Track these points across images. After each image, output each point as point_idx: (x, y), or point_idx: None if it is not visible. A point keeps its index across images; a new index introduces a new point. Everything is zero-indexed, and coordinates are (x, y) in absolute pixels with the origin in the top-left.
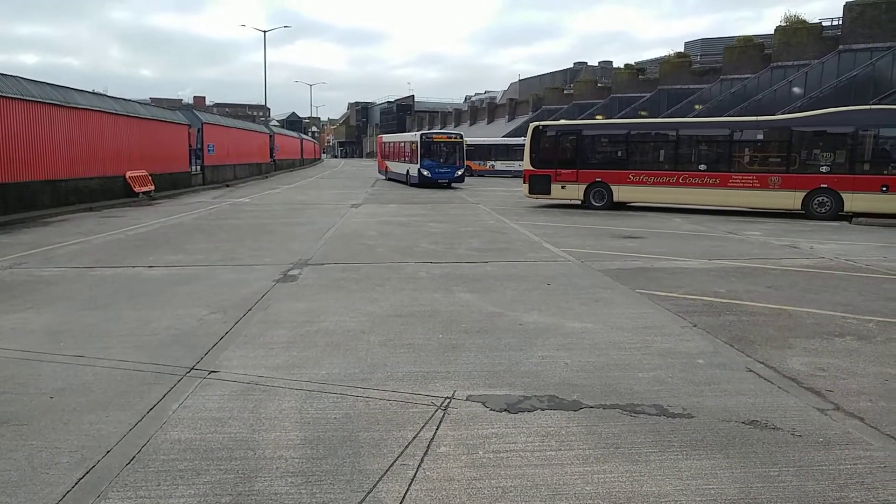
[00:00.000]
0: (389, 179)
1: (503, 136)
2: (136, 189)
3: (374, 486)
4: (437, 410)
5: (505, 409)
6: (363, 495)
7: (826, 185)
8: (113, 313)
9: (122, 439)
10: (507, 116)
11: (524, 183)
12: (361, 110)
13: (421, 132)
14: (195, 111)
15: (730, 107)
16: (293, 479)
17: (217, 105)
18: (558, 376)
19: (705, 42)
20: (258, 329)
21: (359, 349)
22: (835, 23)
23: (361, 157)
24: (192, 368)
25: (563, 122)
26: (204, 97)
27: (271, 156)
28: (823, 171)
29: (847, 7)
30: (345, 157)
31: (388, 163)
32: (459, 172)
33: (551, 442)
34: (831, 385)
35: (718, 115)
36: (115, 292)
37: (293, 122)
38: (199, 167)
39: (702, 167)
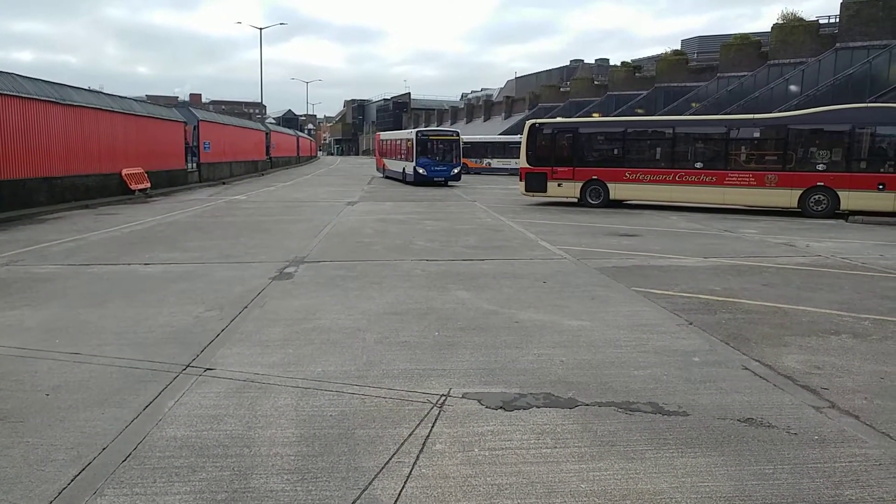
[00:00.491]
0: (387, 177)
1: (500, 134)
2: (132, 186)
3: (370, 484)
4: (432, 408)
5: (500, 407)
6: (359, 492)
7: (822, 184)
8: (109, 310)
9: (118, 436)
10: (503, 114)
11: (520, 181)
12: (358, 108)
13: (416, 129)
14: (191, 108)
15: (727, 104)
16: (289, 477)
17: (213, 102)
18: (554, 374)
19: (702, 40)
20: (254, 326)
21: (355, 346)
22: (832, 21)
23: (358, 154)
24: (188, 366)
25: (559, 119)
26: (200, 94)
27: (267, 153)
28: (820, 169)
29: (844, 5)
30: (341, 155)
31: (385, 160)
32: (456, 170)
33: (547, 439)
34: (827, 383)
35: (715, 112)
36: (111, 289)
37: (289, 120)
38: (195, 164)
39: (698, 165)
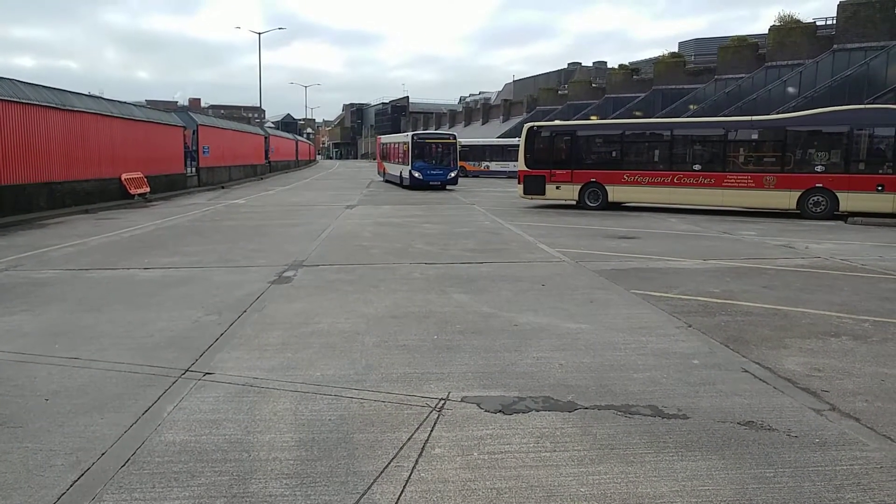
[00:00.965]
0: (387, 181)
1: (498, 137)
2: (132, 191)
3: (369, 488)
4: (431, 412)
5: (500, 411)
6: (358, 497)
7: (821, 185)
8: (108, 315)
9: (117, 441)
10: (501, 117)
11: (519, 183)
12: (356, 112)
13: (412, 133)
14: (190, 113)
15: (724, 107)
16: (288, 481)
17: (212, 107)
18: (553, 377)
19: (699, 42)
20: (253, 331)
21: (353, 350)
22: (829, 22)
23: (356, 158)
24: (187, 370)
25: (557, 122)
26: (199, 99)
27: (266, 157)
28: (818, 170)
29: (841, 6)
30: (340, 159)
31: (385, 164)
32: (452, 174)
33: (546, 443)
34: (827, 385)
35: (713, 114)
36: (111, 294)
37: (288, 124)
38: (194, 169)
39: (696, 167)
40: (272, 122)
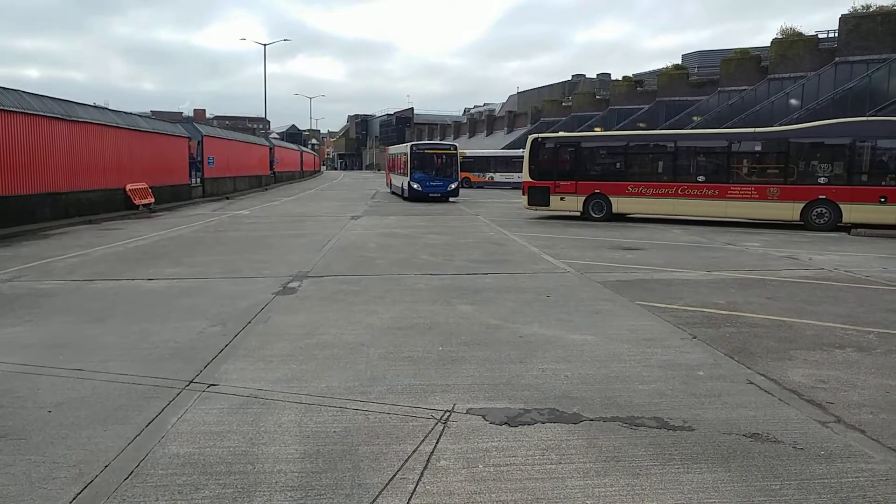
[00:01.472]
0: (392, 192)
1: (502, 148)
2: (137, 201)
3: (374, 501)
4: (436, 424)
5: (505, 423)
6: None
7: (824, 197)
8: (112, 326)
9: (120, 454)
10: (505, 128)
11: (523, 195)
12: (361, 123)
13: (412, 143)
14: (195, 124)
15: (728, 118)
16: (292, 494)
17: (217, 118)
18: (558, 389)
19: (703, 54)
20: (258, 342)
21: (358, 362)
22: (831, 35)
23: (361, 169)
24: (192, 382)
25: (561, 134)
26: (204, 110)
27: (271, 168)
28: (822, 182)
29: (843, 19)
30: (344, 170)
31: (391, 175)
32: (453, 186)
33: (552, 455)
34: (832, 397)
35: (716, 126)
36: (115, 305)
37: (293, 135)
38: (199, 179)
39: (700, 178)
40: (277, 133)
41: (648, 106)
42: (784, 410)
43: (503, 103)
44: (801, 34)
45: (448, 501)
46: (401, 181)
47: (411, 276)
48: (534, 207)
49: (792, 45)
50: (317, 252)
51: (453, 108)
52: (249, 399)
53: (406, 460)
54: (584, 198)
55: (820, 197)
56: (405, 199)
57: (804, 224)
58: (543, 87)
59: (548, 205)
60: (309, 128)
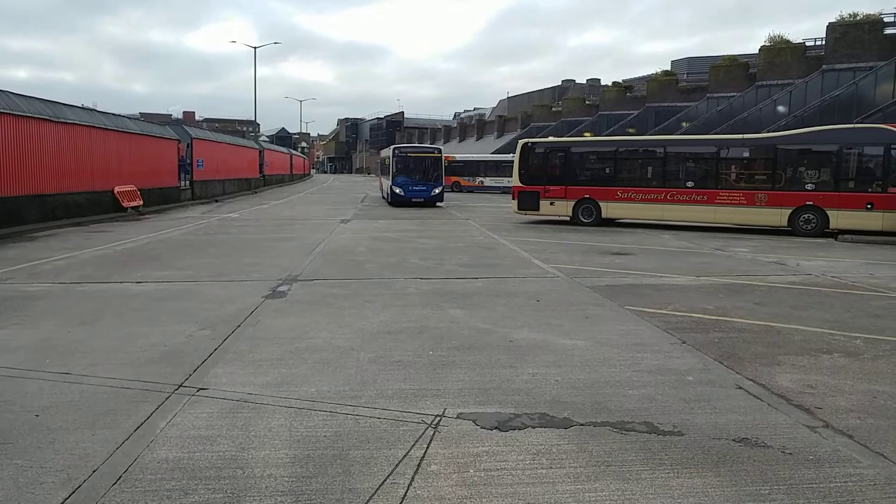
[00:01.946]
0: (382, 197)
1: (492, 153)
2: (125, 204)
3: None
4: (427, 428)
5: (496, 427)
6: None
7: (812, 203)
8: (100, 329)
9: (108, 458)
10: (495, 133)
11: (513, 199)
12: (351, 126)
13: (394, 146)
14: (185, 126)
15: (716, 124)
16: (283, 499)
17: (207, 120)
18: (549, 394)
19: (692, 60)
20: (247, 346)
21: (348, 366)
22: (818, 43)
23: (351, 172)
24: (181, 386)
25: (551, 139)
26: (194, 112)
27: (261, 171)
28: (809, 188)
29: (830, 27)
30: (334, 173)
31: (381, 179)
32: (437, 191)
33: (542, 460)
34: (820, 402)
35: (705, 132)
36: (103, 308)
37: (283, 138)
38: (188, 182)
39: (689, 184)
40: (267, 136)
41: (638, 111)
42: (773, 415)
43: (493, 108)
44: (788, 42)
45: None
46: (386, 185)
47: (401, 279)
48: (524, 212)
49: (780, 52)
50: (306, 255)
51: (444, 113)
52: (239, 403)
53: (397, 465)
54: (573, 203)
55: (807, 203)
56: (389, 204)
57: (792, 230)
58: (534, 91)
59: (537, 209)
60: (299, 131)
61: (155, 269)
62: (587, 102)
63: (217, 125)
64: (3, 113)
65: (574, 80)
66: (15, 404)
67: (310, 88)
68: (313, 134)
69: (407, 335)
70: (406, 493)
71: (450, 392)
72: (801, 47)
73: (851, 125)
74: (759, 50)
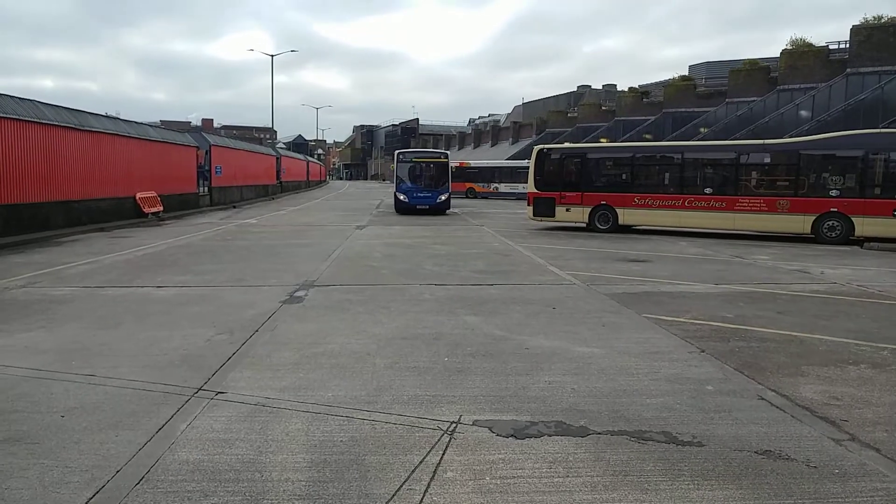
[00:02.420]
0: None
1: (507, 159)
2: (146, 210)
3: None
4: (443, 435)
5: (512, 435)
6: None
7: (836, 209)
8: (123, 333)
9: (131, 459)
10: (510, 139)
11: (528, 205)
12: (366, 133)
13: (397, 151)
14: (204, 133)
15: (736, 130)
16: (300, 503)
17: (225, 127)
18: (565, 402)
19: (710, 65)
20: (265, 350)
21: (364, 372)
22: (842, 46)
23: (366, 179)
24: (200, 389)
25: (567, 144)
26: (212, 120)
27: (278, 178)
28: (833, 194)
29: (854, 30)
30: (350, 180)
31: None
32: (443, 197)
33: (559, 468)
34: (846, 415)
35: (724, 138)
36: (125, 312)
37: (299, 145)
38: (206, 188)
39: (708, 191)
40: (283, 143)
41: (655, 117)
42: (796, 427)
43: (508, 114)
44: (811, 45)
45: None
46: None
47: (416, 286)
48: (539, 218)
49: (802, 56)
50: (323, 261)
51: (458, 119)
52: (257, 407)
53: (413, 471)
54: (589, 209)
55: (831, 210)
56: (396, 210)
57: (815, 237)
58: (549, 97)
59: (553, 216)
60: (315, 138)
61: (175, 275)
62: (603, 108)
63: (235, 132)
64: (32, 122)
65: (590, 86)
66: (41, 405)
67: (326, 96)
68: (329, 141)
69: (422, 341)
70: (422, 499)
71: (465, 399)
72: (824, 50)
73: (877, 130)
74: (781, 53)
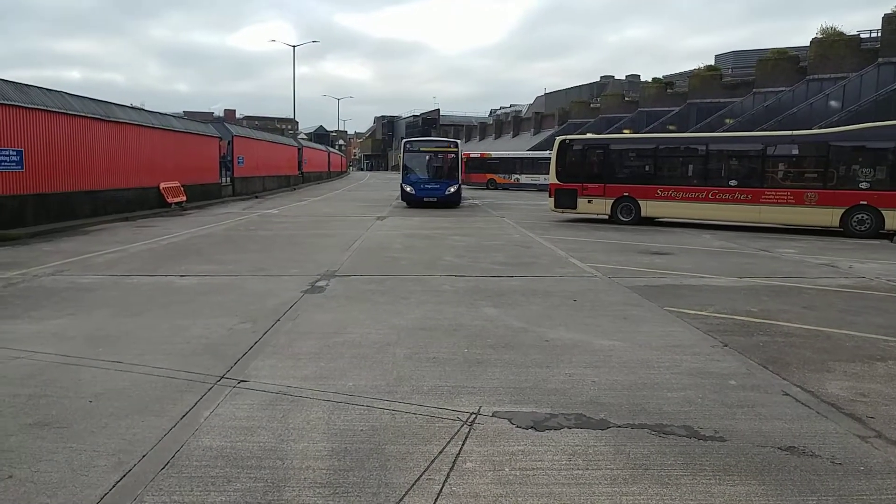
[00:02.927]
0: None
1: (528, 150)
2: (169, 200)
3: (401, 500)
4: (462, 426)
5: (531, 427)
6: None
7: (865, 202)
8: (148, 321)
9: (157, 444)
10: (532, 130)
11: (550, 197)
12: (387, 124)
13: (404, 139)
14: (226, 124)
15: (763, 121)
16: (321, 490)
17: (247, 118)
18: (586, 394)
19: (737, 55)
20: (286, 339)
21: (385, 362)
22: (874, 35)
23: (387, 169)
24: (223, 377)
25: (589, 135)
26: (234, 110)
27: (299, 168)
28: (863, 187)
29: (886, 19)
30: (370, 170)
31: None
32: (452, 189)
33: (578, 461)
34: (873, 411)
35: (751, 129)
36: (150, 300)
37: (321, 136)
38: (229, 178)
39: (733, 182)
40: (305, 134)
41: (679, 108)
42: (822, 424)
43: (530, 104)
44: (842, 34)
45: (474, 503)
46: None
47: (436, 277)
48: (560, 210)
49: (833, 45)
50: (344, 251)
51: (480, 110)
52: (279, 396)
53: (432, 461)
54: (612, 201)
55: (861, 203)
56: (404, 202)
57: (843, 230)
58: (571, 88)
59: (575, 207)
60: (336, 129)
61: (198, 264)
62: (626, 99)
63: (257, 123)
64: (60, 112)
65: (613, 76)
66: (70, 391)
67: (348, 86)
68: (350, 131)
69: (442, 332)
70: (441, 489)
71: (485, 390)
72: (855, 39)
73: None
74: (811, 42)
